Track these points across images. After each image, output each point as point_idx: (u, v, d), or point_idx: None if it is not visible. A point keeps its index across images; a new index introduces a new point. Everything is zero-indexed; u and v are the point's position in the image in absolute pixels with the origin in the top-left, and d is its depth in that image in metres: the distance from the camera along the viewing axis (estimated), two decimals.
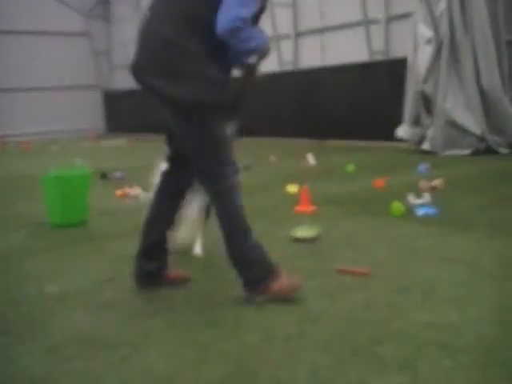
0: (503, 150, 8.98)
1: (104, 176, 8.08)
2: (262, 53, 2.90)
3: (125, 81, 21.14)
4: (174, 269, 3.36)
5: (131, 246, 4.30)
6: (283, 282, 2.99)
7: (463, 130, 9.01)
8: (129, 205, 6.12)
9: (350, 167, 7.81)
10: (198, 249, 3.94)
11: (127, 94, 20.35)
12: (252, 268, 3.01)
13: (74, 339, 2.65)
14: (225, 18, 2.72)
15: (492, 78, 8.87)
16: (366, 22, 12.28)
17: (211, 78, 2.85)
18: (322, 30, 13.74)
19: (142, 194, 6.55)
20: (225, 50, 2.89)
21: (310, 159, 8.88)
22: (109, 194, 6.70)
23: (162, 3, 2.95)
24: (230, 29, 2.72)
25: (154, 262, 3.26)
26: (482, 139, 9.01)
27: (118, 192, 6.71)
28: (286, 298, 2.95)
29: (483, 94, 8.94)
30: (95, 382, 2.26)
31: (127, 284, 3.43)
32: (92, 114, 21.46)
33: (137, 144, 15.59)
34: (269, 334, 2.60)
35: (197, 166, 3.02)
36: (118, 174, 8.14)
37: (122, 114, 20.31)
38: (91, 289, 3.38)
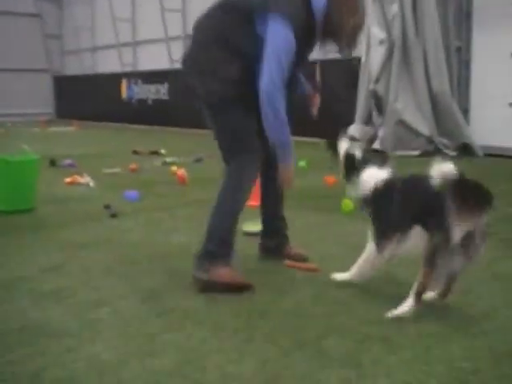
0: (451, 153, 9.21)
1: (53, 163, 7.91)
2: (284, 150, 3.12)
3: (76, 67, 20.74)
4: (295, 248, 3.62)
5: (80, 233, 4.26)
6: (232, 274, 3.06)
7: (413, 131, 9.19)
8: (78, 192, 6.03)
9: (302, 163, 7.87)
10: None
11: (78, 80, 19.95)
12: (216, 244, 3.10)
13: (19, 328, 2.60)
14: (265, 75, 2.96)
15: (441, 82, 9.09)
16: None
17: (225, 79, 3.10)
18: None
19: (91, 183, 6.46)
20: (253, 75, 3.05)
21: None
22: (58, 182, 6.57)
23: (208, 19, 3.21)
24: (268, 83, 2.94)
25: (274, 239, 3.60)
26: (430, 141, 9.23)
27: (67, 179, 6.58)
28: (227, 290, 3.00)
29: (433, 97, 9.15)
30: (40, 372, 2.21)
31: (74, 273, 3.38)
32: (41, 99, 20.85)
33: (87, 131, 15.32)
34: (217, 326, 2.61)
35: (220, 149, 3.26)
36: (67, 162, 7.98)
37: (73, 101, 19.86)
38: (37, 277, 3.31)
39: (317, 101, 3.52)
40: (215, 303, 2.88)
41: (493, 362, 2.25)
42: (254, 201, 5.25)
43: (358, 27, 3.09)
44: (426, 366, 2.24)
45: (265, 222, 3.66)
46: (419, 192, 2.74)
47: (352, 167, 3.03)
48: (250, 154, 3.17)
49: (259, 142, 3.19)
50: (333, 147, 3.18)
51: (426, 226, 2.67)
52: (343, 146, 3.12)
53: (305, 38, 3.07)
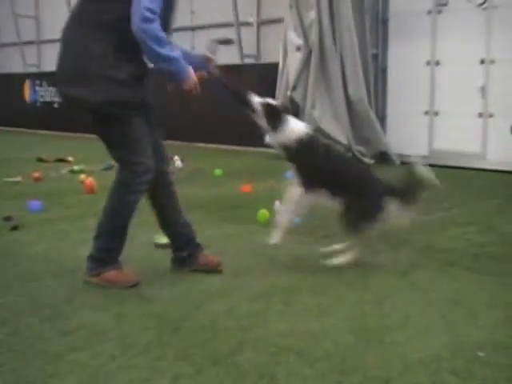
0: (368, 160, 9.51)
1: None
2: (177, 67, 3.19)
3: None
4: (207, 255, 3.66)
5: None
6: (121, 274, 3.34)
7: (330, 140, 9.40)
8: None
9: (218, 171, 7.91)
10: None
11: None
12: (98, 247, 3.33)
13: None
14: (136, 11, 3.03)
15: (358, 89, 9.37)
16: (238, 24, 12.49)
17: (114, 79, 3.13)
18: (193, 29, 13.80)
19: None
20: (139, 51, 3.19)
21: (177, 162, 8.87)
22: None
23: (76, 8, 3.26)
24: (141, 19, 3.01)
25: (185, 249, 3.60)
26: (348, 149, 9.48)
27: None
28: (118, 287, 3.27)
29: (350, 105, 9.42)
30: None
31: None
32: None
33: None
34: (127, 342, 2.59)
35: (113, 158, 3.36)
36: None
37: None
38: None
39: (213, 63, 3.60)
40: (124, 319, 2.86)
41: (405, 370, 2.36)
42: None
43: None
44: (341, 376, 2.31)
45: (171, 237, 3.66)
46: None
47: (275, 116, 3.46)
48: (143, 165, 3.27)
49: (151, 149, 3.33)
50: (243, 99, 3.51)
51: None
52: (255, 98, 3.51)
53: None
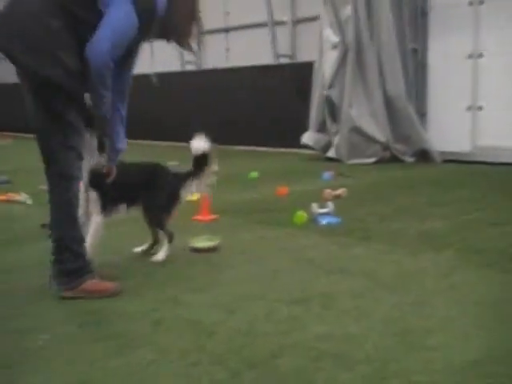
0: (408, 159, 9.41)
1: None
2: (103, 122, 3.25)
3: (6, 74, 20.29)
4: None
5: (13, 255, 4.20)
6: (99, 283, 3.29)
7: (368, 138, 9.35)
8: (13, 211, 5.92)
9: (254, 174, 7.92)
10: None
11: (9, 89, 19.54)
12: (70, 259, 3.23)
13: None
14: (100, 50, 3.00)
15: (397, 86, 9.29)
16: (272, 24, 12.51)
17: (66, 63, 3.03)
18: (227, 30, 13.88)
19: (28, 200, 6.36)
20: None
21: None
22: None
23: None
24: (101, 62, 3.01)
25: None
26: (386, 147, 9.41)
27: (1, 197, 6.46)
28: (98, 297, 3.24)
29: (388, 102, 9.33)
30: None
31: (6, 298, 3.34)
32: None
33: (21, 144, 15.00)
34: (163, 348, 2.61)
35: (41, 144, 3.23)
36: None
37: (4, 111, 19.43)
38: None
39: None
40: (160, 325, 2.88)
41: (450, 374, 2.32)
42: (202, 215, 5.29)
43: (194, 31, 3.33)
44: (383, 381, 2.29)
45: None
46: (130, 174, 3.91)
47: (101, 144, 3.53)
48: (75, 150, 3.22)
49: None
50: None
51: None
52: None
53: (143, 28, 3.17)
